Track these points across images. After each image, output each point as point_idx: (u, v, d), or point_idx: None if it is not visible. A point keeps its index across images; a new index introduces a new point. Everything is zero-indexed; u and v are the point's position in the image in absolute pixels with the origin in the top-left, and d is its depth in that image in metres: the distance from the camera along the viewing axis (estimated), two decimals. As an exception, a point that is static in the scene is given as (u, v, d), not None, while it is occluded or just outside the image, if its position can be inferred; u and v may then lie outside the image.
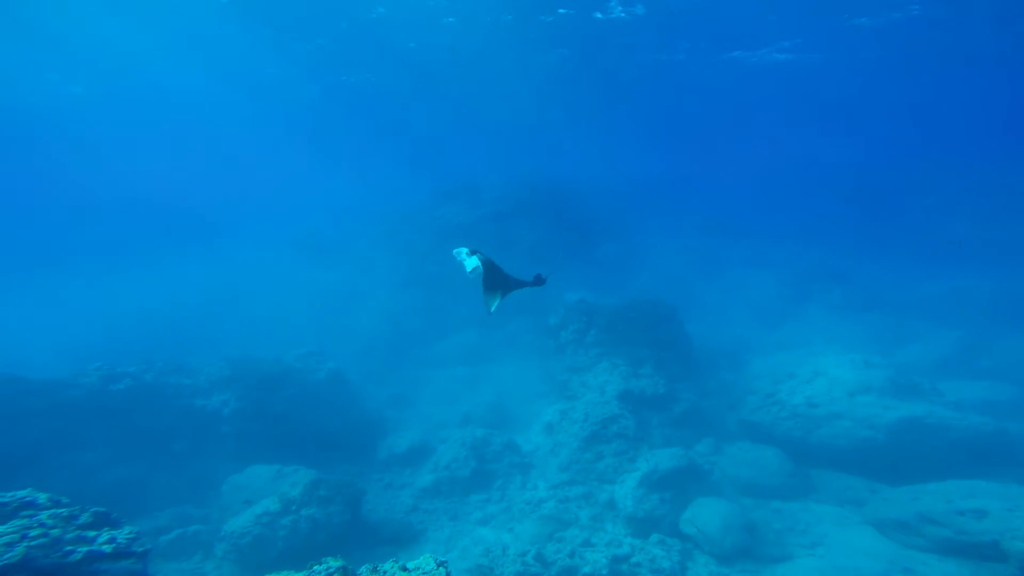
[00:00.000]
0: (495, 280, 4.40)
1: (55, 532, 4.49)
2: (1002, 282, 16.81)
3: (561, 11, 16.67)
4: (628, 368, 11.30)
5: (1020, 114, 30.14)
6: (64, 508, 4.81)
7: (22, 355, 14.73)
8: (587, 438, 9.58)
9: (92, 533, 4.69)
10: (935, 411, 8.67)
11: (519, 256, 19.25)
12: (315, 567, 3.61)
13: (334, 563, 3.62)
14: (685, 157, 46.90)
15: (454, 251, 4.67)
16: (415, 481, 10.06)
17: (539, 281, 4.52)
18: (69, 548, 4.42)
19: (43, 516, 4.62)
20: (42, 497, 4.86)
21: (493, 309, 4.41)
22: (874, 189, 25.34)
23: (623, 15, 16.57)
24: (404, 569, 3.49)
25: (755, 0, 15.70)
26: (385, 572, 3.50)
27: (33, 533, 4.37)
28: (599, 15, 16.88)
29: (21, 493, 4.81)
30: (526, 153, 42.14)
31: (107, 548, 4.59)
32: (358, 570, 3.60)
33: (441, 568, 3.49)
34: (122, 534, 4.81)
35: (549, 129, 32.30)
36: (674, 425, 10.51)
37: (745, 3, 15.82)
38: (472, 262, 4.42)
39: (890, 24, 16.99)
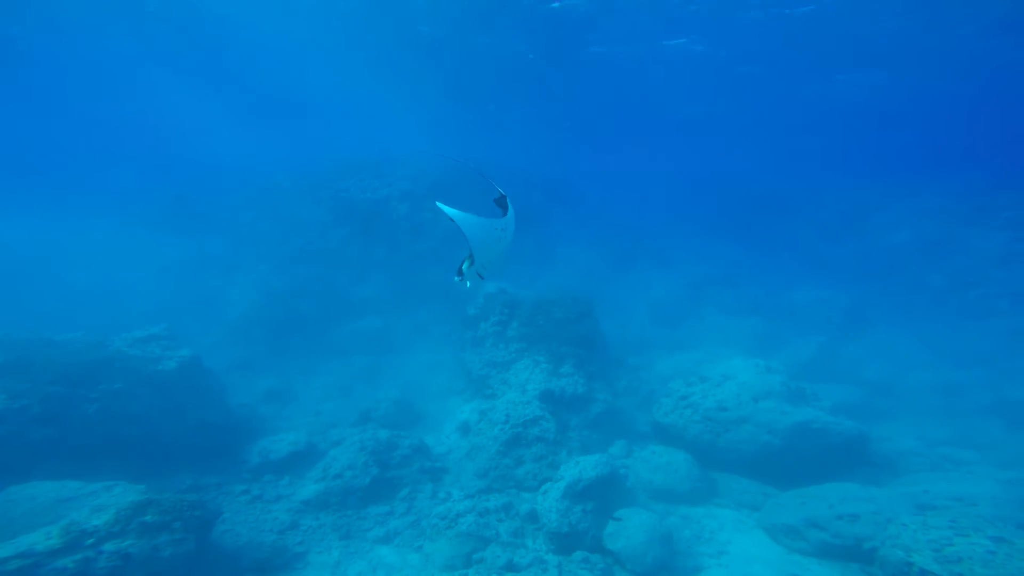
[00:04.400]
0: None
1: None
2: (853, 294, 19.47)
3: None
4: (549, 366, 10.88)
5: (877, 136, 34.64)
6: None
7: None
8: (508, 441, 8.96)
9: None
10: (820, 416, 9.38)
11: (431, 241, 18.04)
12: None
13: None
14: (601, 153, 48.09)
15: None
16: (295, 492, 8.51)
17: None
18: None
19: None
20: None
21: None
22: (760, 200, 28.14)
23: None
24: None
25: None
26: None
27: None
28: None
29: None
30: (445, 134, 40.15)
31: None
32: None
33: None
34: None
35: (472, 113, 30.82)
36: (591, 427, 10.34)
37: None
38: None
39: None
